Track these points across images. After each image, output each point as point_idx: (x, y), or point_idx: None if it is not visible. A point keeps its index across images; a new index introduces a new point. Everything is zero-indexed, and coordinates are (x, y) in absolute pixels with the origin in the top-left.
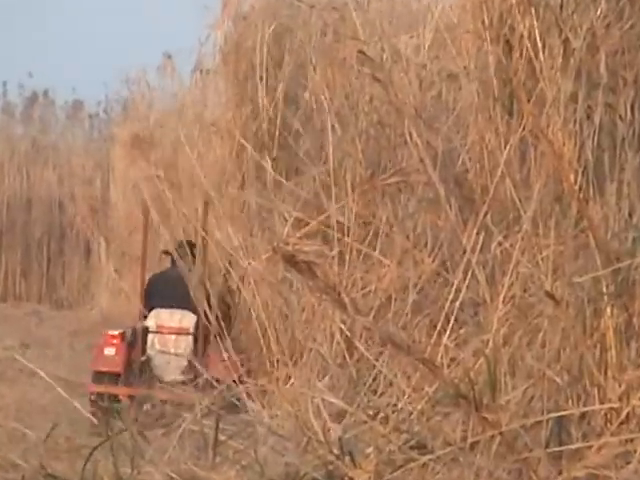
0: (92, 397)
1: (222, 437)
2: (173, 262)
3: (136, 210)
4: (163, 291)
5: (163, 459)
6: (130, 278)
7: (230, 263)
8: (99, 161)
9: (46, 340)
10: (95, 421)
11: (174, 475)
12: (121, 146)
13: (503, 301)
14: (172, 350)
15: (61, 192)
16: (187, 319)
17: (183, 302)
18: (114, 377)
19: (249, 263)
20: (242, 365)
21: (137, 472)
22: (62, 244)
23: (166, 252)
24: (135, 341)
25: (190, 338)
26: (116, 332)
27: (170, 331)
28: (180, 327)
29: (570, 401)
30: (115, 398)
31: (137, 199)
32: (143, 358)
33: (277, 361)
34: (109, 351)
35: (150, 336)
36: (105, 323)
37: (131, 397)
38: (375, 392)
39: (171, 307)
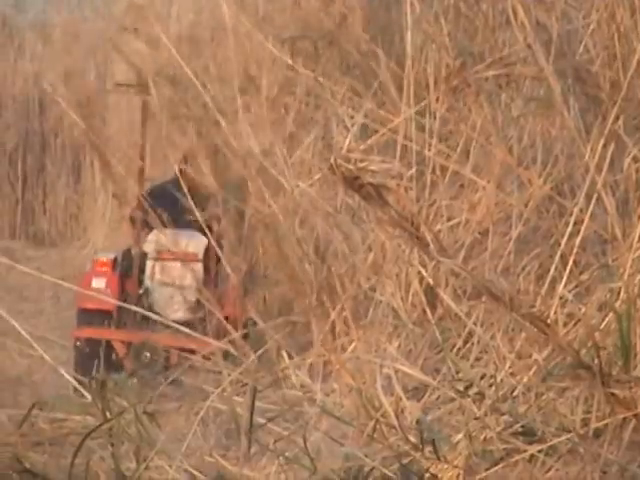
0: (77, 344)
1: (260, 420)
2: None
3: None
4: (166, 207)
5: (180, 449)
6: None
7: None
8: (93, 47)
9: (21, 289)
10: (87, 395)
11: (194, 471)
12: (122, 24)
13: None
14: (176, 281)
15: (41, 88)
16: (195, 242)
17: (191, 221)
18: (104, 316)
19: (297, 185)
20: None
21: (145, 467)
22: (42, 159)
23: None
24: (130, 270)
25: (199, 266)
26: (106, 258)
27: (174, 257)
28: (186, 252)
29: None
30: (106, 345)
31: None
32: (140, 291)
33: (334, 319)
34: (98, 283)
35: (149, 263)
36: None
37: (126, 344)
38: (466, 360)
39: (175, 227)
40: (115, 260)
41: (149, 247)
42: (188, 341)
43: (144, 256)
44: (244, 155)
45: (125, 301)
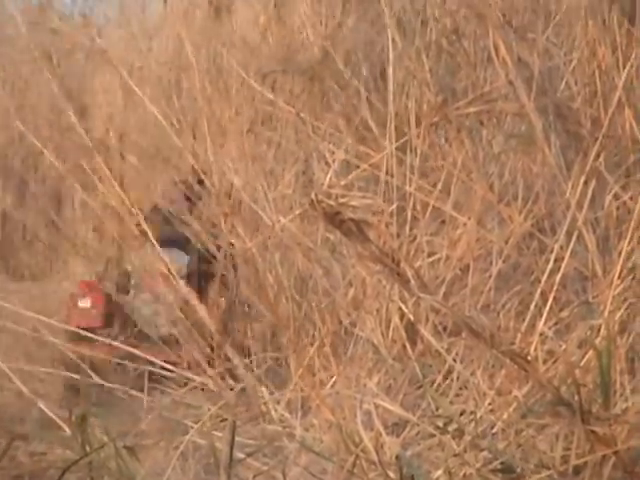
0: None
1: (239, 454)
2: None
3: (123, 147)
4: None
5: None
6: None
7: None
8: (73, 82)
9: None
10: (66, 429)
11: None
12: (102, 62)
13: (620, 274)
14: (160, 298)
15: (22, 122)
16: (178, 261)
17: (178, 240)
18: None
19: (277, 220)
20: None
21: None
22: (23, 190)
23: (181, 181)
24: (117, 290)
25: (182, 283)
26: (92, 279)
27: (158, 275)
28: (170, 269)
29: None
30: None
31: (124, 133)
32: (127, 310)
33: (313, 354)
34: (84, 303)
35: (134, 282)
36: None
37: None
38: (446, 396)
39: (162, 246)
40: (101, 281)
41: (133, 265)
42: (171, 355)
43: (129, 275)
44: (221, 191)
45: (112, 319)
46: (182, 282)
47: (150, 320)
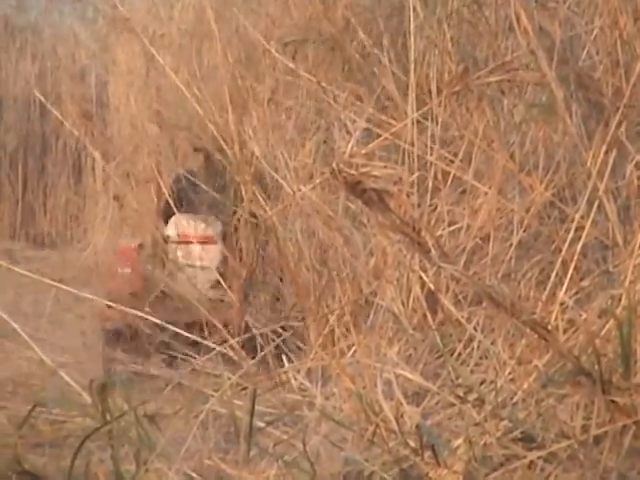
0: (107, 327)
1: (259, 423)
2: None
3: (144, 116)
4: (186, 193)
5: (179, 452)
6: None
7: (266, 187)
8: (95, 50)
9: (20, 290)
10: (87, 397)
11: (194, 474)
12: (124, 29)
13: None
14: (198, 262)
15: (43, 90)
16: (212, 226)
17: (209, 207)
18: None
19: (298, 189)
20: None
21: (144, 469)
22: (43, 160)
23: (198, 149)
24: (154, 254)
25: (217, 247)
26: (131, 245)
27: (194, 240)
28: (205, 235)
29: None
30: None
31: (145, 101)
32: (165, 274)
33: (333, 323)
34: (123, 269)
35: (171, 247)
36: (101, 268)
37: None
38: (466, 365)
39: (193, 212)
40: (140, 247)
41: (171, 232)
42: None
43: (166, 240)
44: (243, 160)
45: (150, 286)
46: (218, 247)
47: (185, 285)
